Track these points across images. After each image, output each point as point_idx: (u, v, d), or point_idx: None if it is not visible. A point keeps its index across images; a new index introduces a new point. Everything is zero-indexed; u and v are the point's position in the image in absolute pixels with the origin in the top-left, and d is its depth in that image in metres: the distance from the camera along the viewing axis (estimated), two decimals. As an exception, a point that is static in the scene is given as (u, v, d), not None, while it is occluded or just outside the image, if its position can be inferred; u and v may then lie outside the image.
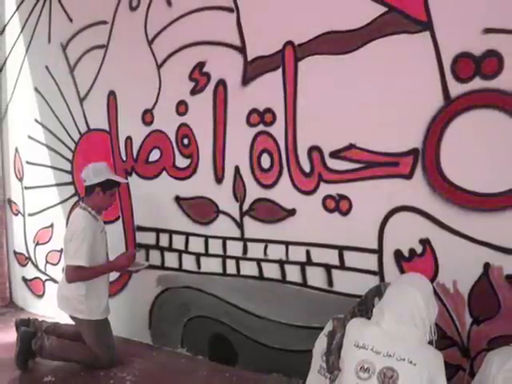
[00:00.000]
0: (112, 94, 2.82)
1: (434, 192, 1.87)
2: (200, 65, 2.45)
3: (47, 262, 3.31)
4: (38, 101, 3.25)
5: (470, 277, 1.82)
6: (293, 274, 2.26)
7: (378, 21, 1.93)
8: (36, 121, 3.27)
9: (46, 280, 3.34)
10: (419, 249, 1.92)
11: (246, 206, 2.38)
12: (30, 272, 3.45)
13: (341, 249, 2.11)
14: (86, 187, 2.45)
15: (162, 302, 2.74)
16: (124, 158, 2.82)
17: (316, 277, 2.19)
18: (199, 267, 2.58)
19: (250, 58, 2.29)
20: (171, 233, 2.67)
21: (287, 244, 2.26)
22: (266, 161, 2.29)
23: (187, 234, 2.61)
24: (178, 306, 2.67)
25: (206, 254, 2.54)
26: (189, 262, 2.61)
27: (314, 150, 2.14)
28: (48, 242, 3.29)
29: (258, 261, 2.36)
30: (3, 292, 3.58)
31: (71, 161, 3.10)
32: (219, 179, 2.45)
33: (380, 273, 2.02)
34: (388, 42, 1.91)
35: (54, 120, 3.15)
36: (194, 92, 2.48)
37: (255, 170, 2.33)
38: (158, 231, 2.73)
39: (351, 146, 2.04)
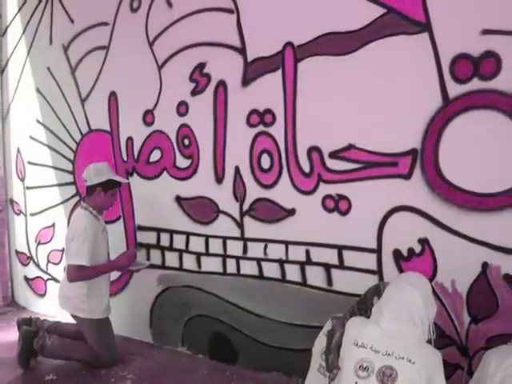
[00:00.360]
0: (113, 95, 2.83)
1: (433, 192, 1.88)
2: (200, 66, 2.46)
3: (49, 261, 3.33)
4: (39, 101, 3.27)
5: (468, 276, 1.83)
6: (292, 273, 2.27)
7: (377, 22, 1.94)
8: (38, 121, 3.29)
9: (48, 279, 3.36)
10: (418, 248, 1.93)
11: (246, 206, 2.39)
12: (31, 271, 3.47)
13: (340, 248, 2.12)
14: (88, 187, 2.46)
15: (162, 301, 2.76)
16: (125, 159, 2.83)
17: (315, 276, 2.20)
18: (199, 266, 2.59)
19: (250, 59, 2.30)
20: (172, 232, 2.69)
21: (287, 243, 2.27)
22: (265, 161, 2.31)
23: (188, 234, 2.62)
24: (179, 305, 2.69)
25: (207, 254, 2.56)
26: (189, 262, 2.63)
27: (314, 150, 2.15)
28: (49, 241, 3.31)
29: (258, 260, 2.38)
30: (5, 291, 3.59)
31: (72, 161, 3.12)
32: (219, 179, 2.46)
33: (379, 272, 2.03)
34: (387, 43, 1.92)
35: (55, 120, 3.17)
36: (194, 93, 2.50)
37: (255, 170, 2.34)
38: (158, 231, 2.74)
39: (350, 147, 2.05)
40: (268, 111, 2.27)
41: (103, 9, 2.81)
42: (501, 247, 1.76)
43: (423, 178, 1.90)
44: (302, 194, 2.20)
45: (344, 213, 2.10)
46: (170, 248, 2.70)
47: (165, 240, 2.72)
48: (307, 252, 2.22)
